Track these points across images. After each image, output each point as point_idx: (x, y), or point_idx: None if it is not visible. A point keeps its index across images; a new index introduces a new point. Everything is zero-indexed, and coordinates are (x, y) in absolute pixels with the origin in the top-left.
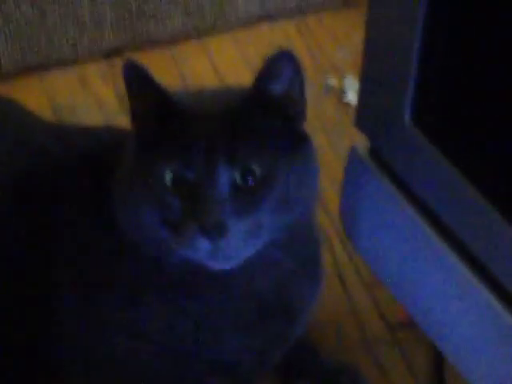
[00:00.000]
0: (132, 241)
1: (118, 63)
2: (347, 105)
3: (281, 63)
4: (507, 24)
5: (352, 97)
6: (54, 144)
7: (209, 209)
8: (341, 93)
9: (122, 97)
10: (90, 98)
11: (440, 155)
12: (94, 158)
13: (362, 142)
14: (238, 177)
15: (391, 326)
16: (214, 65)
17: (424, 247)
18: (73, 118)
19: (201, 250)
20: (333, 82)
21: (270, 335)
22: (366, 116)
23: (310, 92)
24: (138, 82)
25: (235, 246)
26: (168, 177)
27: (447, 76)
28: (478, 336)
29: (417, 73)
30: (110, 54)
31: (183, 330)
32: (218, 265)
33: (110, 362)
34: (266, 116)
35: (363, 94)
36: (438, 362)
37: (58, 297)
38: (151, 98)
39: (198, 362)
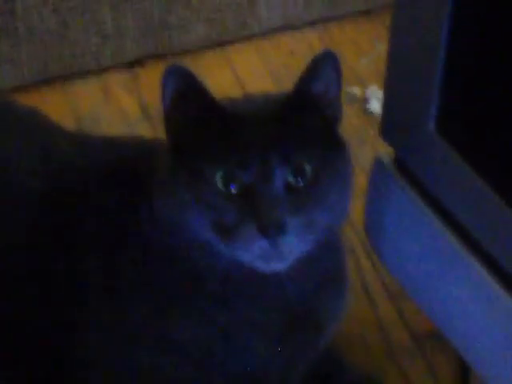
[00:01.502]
0: (167, 249)
1: (141, 73)
2: (370, 114)
3: (324, 63)
4: None
5: (375, 106)
6: (78, 154)
7: (267, 208)
8: (364, 103)
9: (144, 106)
10: (113, 109)
11: (465, 164)
12: (118, 168)
13: (385, 151)
14: (290, 175)
15: (416, 336)
16: (237, 75)
17: (450, 258)
18: (96, 129)
19: (256, 251)
20: (356, 91)
21: (297, 347)
22: (391, 126)
23: None
24: (186, 87)
25: (291, 244)
26: (220, 179)
27: (472, 84)
28: (503, 347)
29: (441, 81)
30: (132, 65)
31: (212, 341)
32: (271, 266)
33: (133, 375)
34: (309, 116)
35: (387, 103)
36: (464, 372)
37: (85, 310)
38: (198, 103)
39: (225, 373)
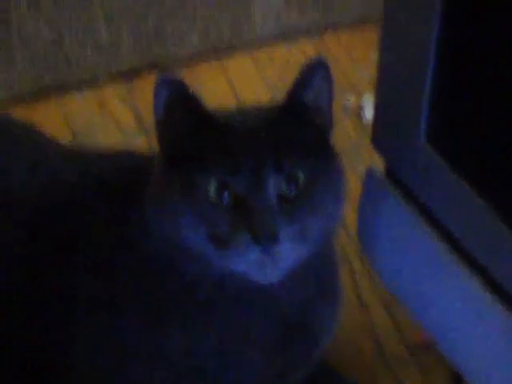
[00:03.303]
0: (161, 261)
1: (136, 84)
2: (366, 123)
3: (314, 71)
4: None
5: (370, 115)
6: (70, 169)
7: (260, 218)
8: (359, 111)
9: (140, 117)
10: (108, 120)
11: (455, 174)
12: (111, 181)
13: (379, 161)
14: (283, 185)
15: (411, 345)
16: (232, 85)
17: (441, 267)
18: (91, 140)
19: (250, 261)
20: (351, 99)
21: (291, 358)
22: (382, 135)
23: None
24: (178, 97)
25: (285, 254)
26: (213, 189)
27: (462, 95)
28: (496, 358)
29: (431, 92)
30: (127, 76)
31: (206, 351)
32: (265, 276)
33: None
34: (301, 125)
35: (378, 113)
36: (457, 382)
37: (78, 323)
38: (190, 113)
39: None
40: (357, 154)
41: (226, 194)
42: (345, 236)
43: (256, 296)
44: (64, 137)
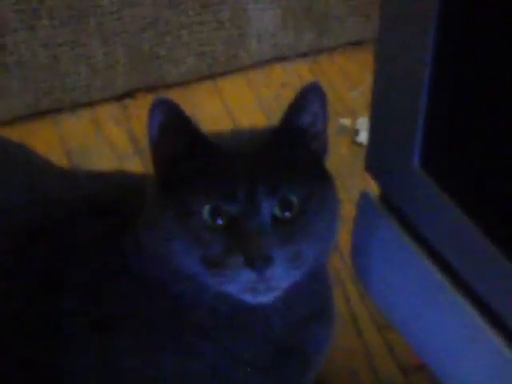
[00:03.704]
0: (153, 283)
1: (131, 106)
2: (360, 145)
3: (310, 96)
4: None
5: (365, 138)
6: (64, 190)
7: (254, 240)
8: (354, 133)
9: (134, 138)
10: (103, 141)
11: (449, 200)
12: (104, 202)
13: (374, 184)
14: (277, 208)
15: (404, 368)
16: (227, 106)
17: (434, 292)
18: (86, 161)
19: (244, 283)
20: (346, 122)
21: (284, 380)
22: (375, 160)
23: None
24: (172, 119)
25: (278, 276)
26: (206, 212)
27: (456, 121)
28: (489, 382)
29: (425, 117)
30: (122, 97)
31: (197, 375)
32: (258, 298)
33: None
34: (296, 149)
35: (372, 138)
36: None
37: (71, 345)
38: (185, 136)
39: None
40: (351, 176)
41: (219, 217)
42: (339, 258)
43: (248, 317)
44: (59, 157)
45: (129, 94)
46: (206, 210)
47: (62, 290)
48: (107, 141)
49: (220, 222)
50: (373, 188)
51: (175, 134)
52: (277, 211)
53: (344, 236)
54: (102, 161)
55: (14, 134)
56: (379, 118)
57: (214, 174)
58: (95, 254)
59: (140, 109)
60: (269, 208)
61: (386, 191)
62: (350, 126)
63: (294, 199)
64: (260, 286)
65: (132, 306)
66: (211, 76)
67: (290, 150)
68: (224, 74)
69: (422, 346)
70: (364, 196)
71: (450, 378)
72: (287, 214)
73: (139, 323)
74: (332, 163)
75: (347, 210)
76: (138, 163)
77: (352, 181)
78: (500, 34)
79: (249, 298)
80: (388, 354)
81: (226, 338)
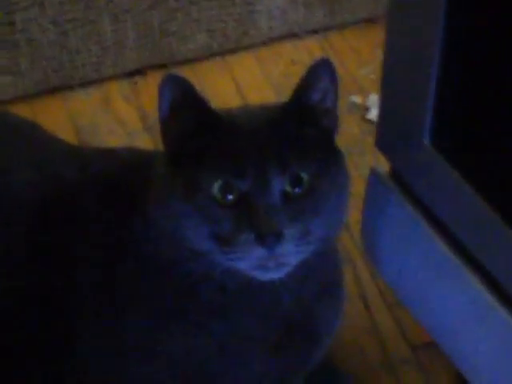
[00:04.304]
0: (162, 261)
1: (141, 83)
2: (371, 123)
3: (320, 72)
4: None
5: (376, 115)
6: (72, 167)
7: (264, 217)
8: (365, 111)
9: (144, 116)
10: (113, 118)
11: (459, 177)
12: (113, 180)
13: (384, 162)
14: (287, 184)
15: (414, 346)
16: (237, 83)
17: (444, 269)
18: (95, 138)
19: (254, 259)
20: (357, 99)
21: (293, 358)
22: (386, 137)
23: None
24: (183, 96)
25: (289, 253)
26: (217, 189)
27: (466, 98)
28: (498, 359)
29: (435, 94)
30: (132, 74)
31: (208, 352)
32: (269, 275)
33: None
34: (305, 126)
35: (383, 115)
36: (461, 382)
37: (83, 323)
38: (195, 112)
39: None
40: (362, 154)
41: (229, 193)
42: (349, 237)
43: (258, 295)
44: (68, 135)
45: (139, 71)
46: (215, 186)
47: (72, 269)
48: (117, 118)
49: (230, 198)
50: (383, 165)
51: (185, 110)
52: (287, 188)
53: (354, 214)
54: (112, 138)
55: (24, 111)
56: (389, 95)
57: (224, 151)
58: (105, 231)
59: (150, 86)
60: (279, 185)
61: (396, 168)
62: (361, 104)
63: (305, 176)
64: (270, 263)
65: (142, 284)
66: (221, 53)
67: (300, 126)
68: (234, 51)
69: (430, 323)
70: (374, 173)
71: (458, 355)
72: (297, 190)
73: (149, 301)
74: (342, 140)
75: (358, 187)
76: (147, 140)
77: (363, 158)
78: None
79: (259, 274)
80: (397, 331)
81: (235, 315)
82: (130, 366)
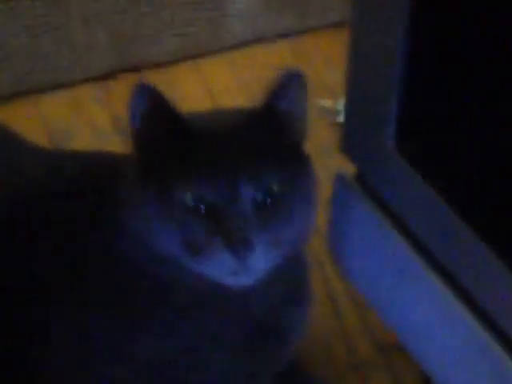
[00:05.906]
0: (134, 263)
1: (113, 87)
2: (341, 127)
3: (290, 82)
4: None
5: None
6: (44, 170)
7: (235, 226)
8: (335, 115)
9: (116, 119)
10: (84, 122)
11: (423, 181)
12: (84, 182)
13: (350, 165)
14: (258, 194)
15: (381, 347)
16: (208, 87)
17: (409, 271)
18: (67, 142)
19: (224, 267)
20: (327, 103)
21: (260, 359)
22: (351, 141)
23: None
24: (154, 106)
25: (259, 261)
26: (189, 198)
27: (430, 102)
28: (462, 361)
29: (399, 99)
30: (104, 78)
31: (175, 353)
32: (240, 281)
33: None
34: (276, 134)
35: (348, 119)
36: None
37: (51, 322)
38: (165, 120)
39: None
40: (332, 157)
41: (201, 203)
42: (318, 239)
43: (227, 298)
44: (40, 138)
45: (110, 75)
46: (188, 196)
47: (41, 267)
48: (89, 121)
49: (201, 207)
50: (351, 169)
51: (157, 120)
52: (257, 197)
53: (324, 217)
54: (84, 141)
55: None
56: (354, 99)
57: (195, 161)
58: (76, 232)
59: (121, 89)
60: (250, 193)
61: (362, 172)
62: (331, 107)
63: (275, 185)
64: (241, 271)
65: (112, 284)
66: (193, 57)
67: (270, 134)
68: (205, 54)
69: (398, 325)
70: (339, 176)
71: (424, 356)
72: (268, 199)
73: (118, 301)
74: (313, 143)
75: (326, 190)
76: (119, 143)
77: (333, 161)
78: (473, 13)
79: (229, 281)
80: (365, 332)
81: (204, 317)
82: (98, 366)
